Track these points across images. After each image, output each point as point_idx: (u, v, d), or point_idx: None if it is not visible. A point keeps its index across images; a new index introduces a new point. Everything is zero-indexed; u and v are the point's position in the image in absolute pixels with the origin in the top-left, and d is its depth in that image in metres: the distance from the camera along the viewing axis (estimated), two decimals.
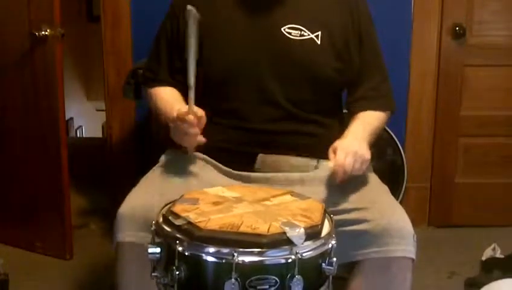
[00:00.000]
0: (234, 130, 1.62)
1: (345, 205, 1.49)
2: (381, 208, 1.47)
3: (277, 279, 1.13)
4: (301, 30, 1.59)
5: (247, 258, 1.11)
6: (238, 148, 1.61)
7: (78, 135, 6.36)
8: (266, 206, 1.29)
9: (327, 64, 1.61)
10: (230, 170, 1.60)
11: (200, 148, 1.57)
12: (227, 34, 1.63)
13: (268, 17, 1.61)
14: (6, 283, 2.22)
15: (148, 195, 1.48)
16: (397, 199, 2.70)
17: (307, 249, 1.15)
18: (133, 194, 1.52)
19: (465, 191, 2.97)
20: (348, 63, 1.64)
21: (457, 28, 2.78)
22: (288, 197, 1.36)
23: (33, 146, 2.58)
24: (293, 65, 1.60)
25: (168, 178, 1.57)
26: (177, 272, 1.15)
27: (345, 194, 1.51)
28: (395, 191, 2.72)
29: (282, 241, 1.14)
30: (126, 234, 1.45)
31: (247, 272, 1.11)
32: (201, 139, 1.50)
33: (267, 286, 1.12)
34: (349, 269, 1.48)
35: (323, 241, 1.19)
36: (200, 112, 1.46)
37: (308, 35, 1.60)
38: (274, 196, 1.36)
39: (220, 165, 1.62)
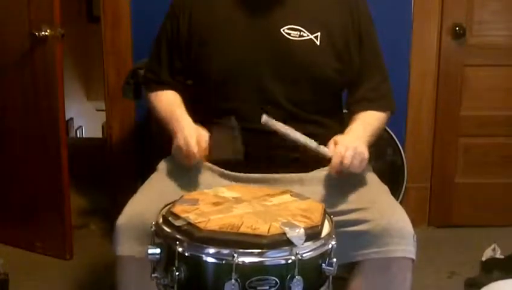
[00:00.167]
0: None
1: (344, 205, 1.49)
2: (381, 208, 1.47)
3: (277, 280, 1.13)
4: (300, 31, 1.59)
5: (247, 259, 1.11)
6: None
7: (78, 135, 6.36)
8: (266, 206, 1.29)
9: (327, 65, 1.61)
10: (229, 172, 1.60)
11: None
12: (227, 34, 1.63)
13: (268, 18, 1.61)
14: (6, 283, 2.22)
15: (146, 205, 1.46)
16: (397, 199, 2.70)
17: (307, 250, 1.16)
18: (131, 204, 1.51)
19: (465, 191, 2.97)
20: (348, 63, 1.64)
21: (457, 28, 2.78)
22: (288, 197, 1.36)
23: (33, 146, 2.58)
24: (293, 66, 1.59)
25: (166, 187, 1.56)
26: (177, 273, 1.15)
27: (344, 194, 1.51)
28: (395, 191, 2.72)
29: (282, 242, 1.14)
30: (125, 247, 1.45)
31: (247, 272, 1.11)
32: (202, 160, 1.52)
33: (267, 287, 1.12)
34: (349, 269, 1.48)
35: (323, 241, 1.20)
36: (204, 143, 1.48)
37: (308, 36, 1.59)
38: (273, 195, 1.36)
39: (219, 168, 1.61)
